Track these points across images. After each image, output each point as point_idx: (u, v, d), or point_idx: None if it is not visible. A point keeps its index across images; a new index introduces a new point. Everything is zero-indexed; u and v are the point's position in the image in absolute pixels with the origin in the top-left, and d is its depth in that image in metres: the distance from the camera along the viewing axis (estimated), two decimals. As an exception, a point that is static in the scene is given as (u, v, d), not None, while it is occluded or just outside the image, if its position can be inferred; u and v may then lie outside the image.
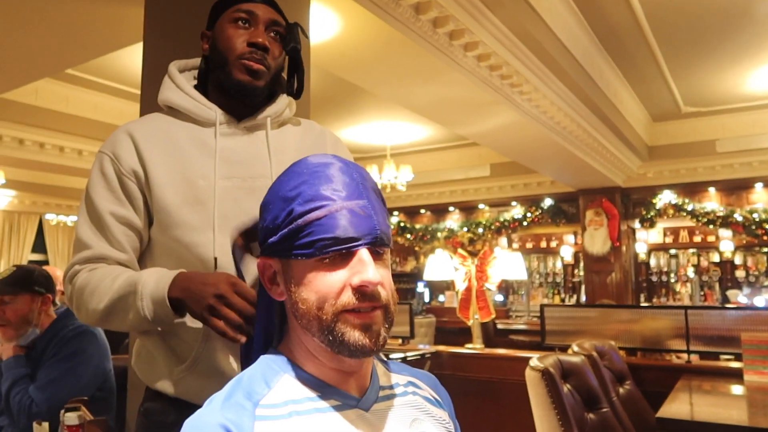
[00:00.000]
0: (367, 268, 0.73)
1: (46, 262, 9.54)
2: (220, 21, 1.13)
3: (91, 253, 1.07)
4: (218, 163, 1.09)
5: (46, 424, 1.50)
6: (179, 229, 1.07)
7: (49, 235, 9.77)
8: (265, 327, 0.85)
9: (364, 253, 0.74)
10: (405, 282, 9.34)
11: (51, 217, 9.66)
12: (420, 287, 9.22)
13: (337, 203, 0.75)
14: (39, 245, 9.60)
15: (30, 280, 2.10)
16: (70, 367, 2.02)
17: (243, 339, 0.93)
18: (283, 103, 1.18)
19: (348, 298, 0.73)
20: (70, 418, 1.34)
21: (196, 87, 1.18)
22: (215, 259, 1.05)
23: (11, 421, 1.99)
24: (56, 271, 3.06)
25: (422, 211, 9.15)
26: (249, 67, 1.09)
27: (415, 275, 9.22)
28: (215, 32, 1.14)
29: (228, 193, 1.09)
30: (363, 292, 0.73)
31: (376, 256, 0.76)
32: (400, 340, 4.26)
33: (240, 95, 1.11)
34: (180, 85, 1.15)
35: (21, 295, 2.06)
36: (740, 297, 6.90)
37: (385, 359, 0.92)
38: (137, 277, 1.01)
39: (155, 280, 0.99)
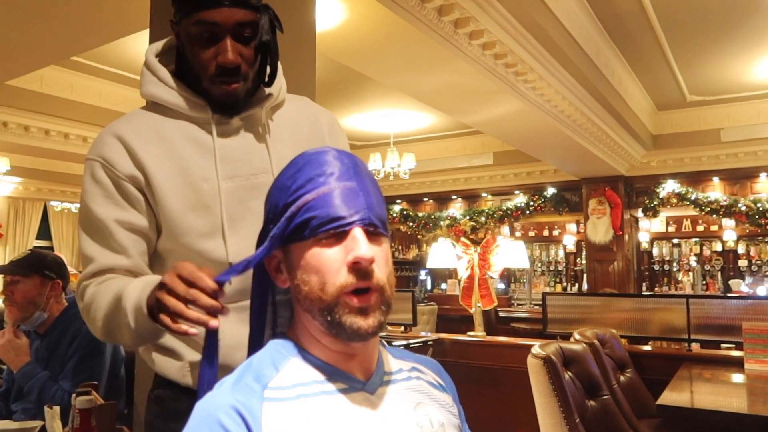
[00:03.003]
0: (359, 245, 0.75)
1: (51, 248, 9.60)
2: (184, 24, 1.01)
3: (96, 266, 1.02)
4: (219, 163, 1.05)
5: (57, 408, 1.51)
6: (187, 236, 1.04)
7: (54, 221, 9.81)
8: (258, 316, 0.87)
9: (357, 231, 0.76)
10: (407, 270, 9.37)
11: (55, 204, 9.69)
12: (422, 275, 9.26)
13: (329, 185, 0.78)
14: (44, 232, 9.65)
15: (42, 264, 2.11)
16: (90, 351, 2.04)
17: (191, 330, 0.82)
18: (276, 89, 1.12)
19: (345, 277, 0.75)
20: (81, 401, 1.35)
21: (175, 72, 1.09)
22: (230, 264, 1.02)
23: (26, 407, 2.01)
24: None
25: (425, 199, 9.16)
26: (225, 89, 1.03)
27: (418, 263, 9.25)
28: (181, 34, 1.03)
29: (232, 194, 1.05)
30: (357, 269, 0.75)
31: (371, 236, 0.78)
32: (402, 328, 4.29)
33: (221, 106, 1.06)
34: (162, 78, 1.07)
35: (31, 277, 2.07)
36: (742, 286, 6.92)
37: (390, 346, 0.94)
38: (122, 289, 0.94)
39: (139, 291, 0.91)
